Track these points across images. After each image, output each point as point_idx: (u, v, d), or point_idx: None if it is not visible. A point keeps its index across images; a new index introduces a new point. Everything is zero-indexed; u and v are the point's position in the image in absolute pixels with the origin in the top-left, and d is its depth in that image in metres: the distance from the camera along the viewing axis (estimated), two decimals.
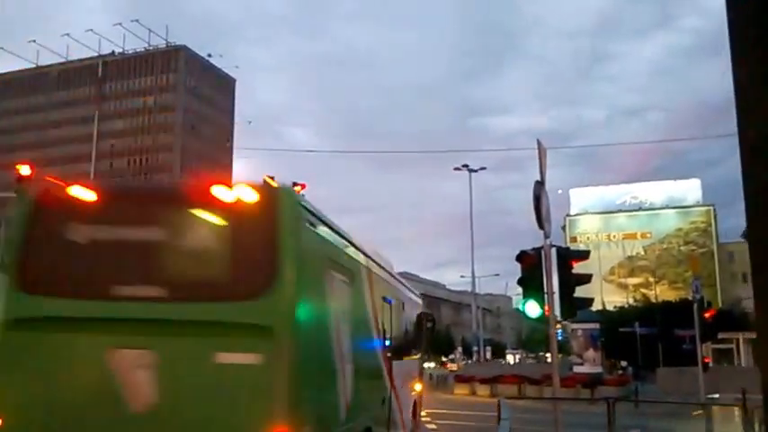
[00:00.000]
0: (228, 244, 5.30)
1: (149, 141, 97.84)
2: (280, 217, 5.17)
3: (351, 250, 7.08)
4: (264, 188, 5.23)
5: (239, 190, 5.16)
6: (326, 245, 6.15)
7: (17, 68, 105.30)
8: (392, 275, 10.19)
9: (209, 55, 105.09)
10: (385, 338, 8.49)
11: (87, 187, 5.42)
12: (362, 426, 7.00)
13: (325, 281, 5.93)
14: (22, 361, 5.10)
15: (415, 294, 13.31)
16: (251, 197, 5.16)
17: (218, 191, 5.14)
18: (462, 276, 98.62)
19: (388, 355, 8.69)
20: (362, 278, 7.48)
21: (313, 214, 5.80)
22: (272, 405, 4.78)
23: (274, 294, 4.91)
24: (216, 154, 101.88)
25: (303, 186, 21.30)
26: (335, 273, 6.27)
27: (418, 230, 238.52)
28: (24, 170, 18.35)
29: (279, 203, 5.24)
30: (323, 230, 6.04)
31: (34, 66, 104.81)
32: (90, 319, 5.06)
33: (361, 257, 7.53)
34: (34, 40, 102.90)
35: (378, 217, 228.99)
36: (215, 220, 5.28)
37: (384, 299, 8.70)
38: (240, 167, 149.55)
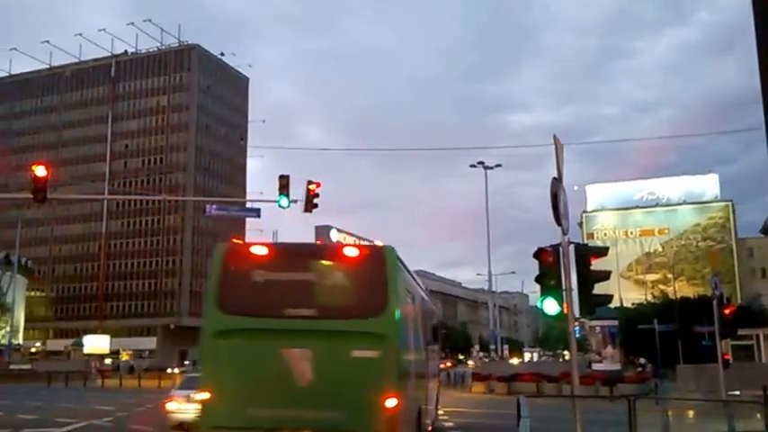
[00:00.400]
0: (356, 283, 8.70)
1: (163, 141, 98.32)
2: (386, 266, 8.58)
3: (413, 283, 10.61)
4: (376, 248, 8.90)
5: (360, 249, 8.80)
6: (406, 282, 9.69)
7: (31, 69, 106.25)
8: (426, 293, 13.12)
9: (222, 54, 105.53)
10: (425, 340, 11.17)
11: (262, 245, 8.87)
12: (418, 402, 10.27)
13: (407, 304, 9.32)
14: (223, 357, 8.29)
15: (433, 305, 17.73)
16: (369, 253, 8.77)
17: (348, 250, 8.77)
18: (478, 274, 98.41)
19: (427, 353, 11.41)
20: (417, 300, 10.98)
21: (401, 263, 9.18)
22: (385, 381, 8.04)
23: (385, 314, 8.26)
24: (230, 153, 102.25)
25: (318, 185, 21.33)
26: (409, 298, 9.79)
27: (432, 228, 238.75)
28: (40, 171, 18.51)
29: (385, 257, 8.66)
30: (404, 273, 9.57)
31: (48, 66, 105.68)
32: (268, 329, 8.28)
33: (416, 286, 11.08)
34: (47, 41, 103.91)
35: (391, 215, 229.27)
36: (346, 268, 8.72)
37: (424, 311, 11.69)
38: (254, 166, 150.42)
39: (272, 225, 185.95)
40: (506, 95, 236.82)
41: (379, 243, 8.96)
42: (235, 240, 9.37)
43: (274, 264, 8.79)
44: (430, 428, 13.05)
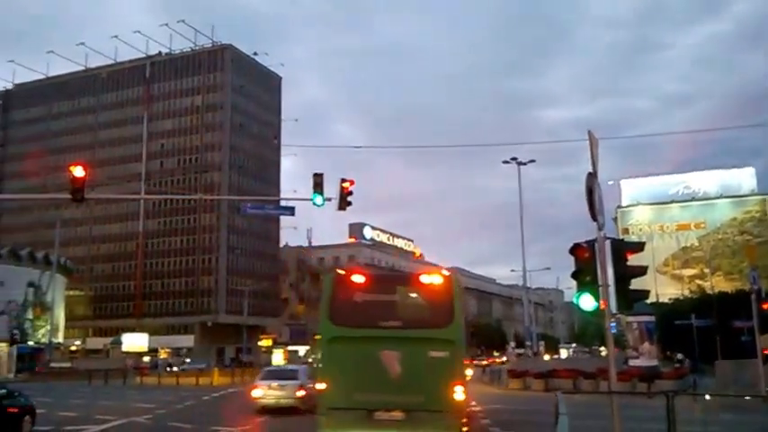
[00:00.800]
0: (430, 301, 11.70)
1: (198, 140, 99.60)
2: (452, 288, 11.70)
3: (463, 296, 13.75)
4: (444, 275, 11.84)
5: (434, 276, 11.71)
6: (463, 297, 13.27)
7: (67, 71, 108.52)
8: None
9: (255, 53, 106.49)
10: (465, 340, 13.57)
11: (361, 274, 11.92)
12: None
13: (463, 315, 12.16)
14: (335, 357, 11.42)
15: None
16: (439, 279, 11.68)
17: (423, 277, 11.71)
18: (513, 271, 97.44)
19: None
20: (464, 309, 13.50)
21: (459, 284, 12.58)
22: (453, 373, 11.08)
23: (452, 325, 11.26)
24: (263, 151, 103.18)
25: (352, 182, 21.46)
26: (463, 310, 12.67)
27: (466, 225, 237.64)
28: (78, 171, 18.91)
29: (452, 281, 11.82)
30: (461, 291, 13.21)
31: (84, 68, 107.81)
32: (368, 336, 11.22)
33: (463, 299, 14.24)
34: (83, 43, 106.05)
35: (424, 211, 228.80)
36: (423, 290, 11.78)
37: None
38: (287, 164, 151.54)
39: (307, 222, 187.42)
40: (539, 90, 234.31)
41: (445, 271, 12.36)
42: (340, 270, 12.44)
43: (370, 288, 11.95)
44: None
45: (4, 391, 15.84)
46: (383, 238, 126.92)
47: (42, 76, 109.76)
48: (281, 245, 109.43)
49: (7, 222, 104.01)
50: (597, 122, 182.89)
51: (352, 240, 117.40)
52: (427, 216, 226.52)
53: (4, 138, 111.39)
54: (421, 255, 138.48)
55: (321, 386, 11.50)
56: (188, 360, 76.17)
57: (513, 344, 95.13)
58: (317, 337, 12.57)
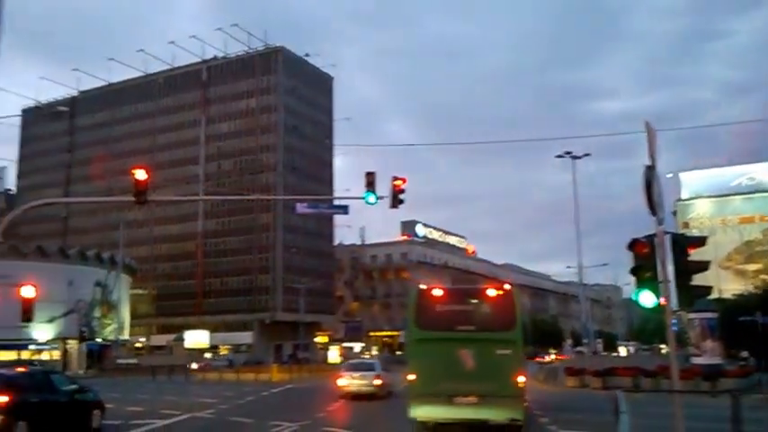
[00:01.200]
0: (496, 309, 14.30)
1: (253, 142, 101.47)
2: (513, 299, 14.42)
3: (522, 304, 15.86)
4: (507, 288, 14.50)
5: (498, 289, 14.42)
6: (522, 305, 15.45)
7: (127, 77, 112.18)
8: None
9: (307, 55, 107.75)
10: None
11: (440, 288, 14.79)
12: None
13: (522, 320, 14.64)
14: (421, 354, 14.31)
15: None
16: (502, 291, 14.37)
17: (490, 291, 14.49)
18: (568, 267, 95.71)
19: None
20: (522, 314, 15.43)
21: (519, 295, 15.09)
22: (515, 366, 13.87)
23: (514, 328, 14.07)
24: (317, 152, 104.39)
25: (404, 180, 21.60)
26: (522, 316, 14.98)
27: (519, 221, 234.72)
28: (140, 175, 19.59)
29: (513, 293, 14.48)
30: (520, 301, 15.34)
31: (143, 74, 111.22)
32: (447, 338, 14.00)
33: (522, 306, 15.77)
34: (142, 50, 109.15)
35: (477, 208, 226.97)
36: (490, 301, 14.39)
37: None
38: (340, 163, 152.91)
39: (360, 221, 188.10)
40: (592, 82, 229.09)
41: (507, 285, 14.96)
42: (422, 286, 15.31)
43: (447, 300, 14.79)
44: None
45: (75, 386, 16.53)
46: (435, 235, 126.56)
47: (104, 83, 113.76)
48: (336, 243, 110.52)
49: (75, 224, 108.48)
50: (654, 114, 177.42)
51: (405, 238, 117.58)
52: (480, 212, 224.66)
53: (70, 143, 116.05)
54: (474, 252, 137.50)
55: (411, 377, 14.33)
56: (231, 355, 78.04)
57: (569, 341, 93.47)
58: (406, 337, 16.17)
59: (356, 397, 24.43)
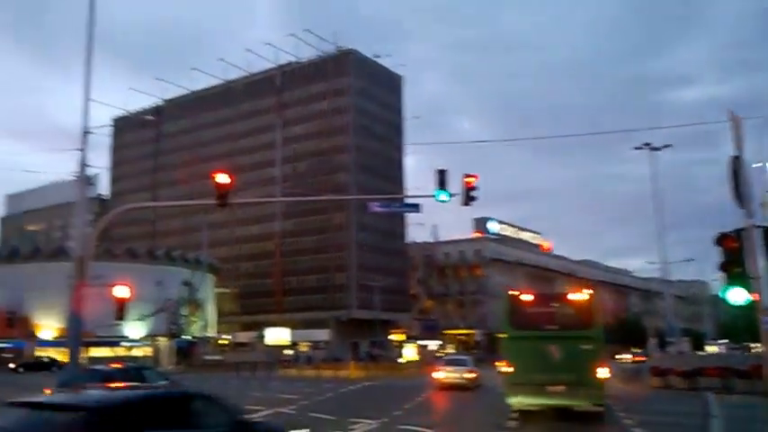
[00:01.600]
0: (578, 311, 17.02)
1: (326, 143, 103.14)
2: (593, 302, 17.20)
3: (601, 306, 18.53)
4: (587, 293, 17.22)
5: (580, 294, 17.17)
6: (601, 307, 18.45)
7: (208, 85, 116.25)
8: None
9: (377, 56, 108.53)
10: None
11: (529, 293, 17.87)
12: None
13: (601, 320, 17.33)
14: (514, 349, 17.12)
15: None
16: (583, 296, 17.11)
17: (571, 295, 17.44)
18: (650, 263, 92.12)
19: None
20: (602, 315, 17.92)
21: (598, 299, 17.85)
22: (596, 359, 16.34)
23: (595, 327, 16.81)
24: (388, 151, 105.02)
25: (476, 177, 21.43)
26: (601, 316, 17.63)
27: (597, 216, 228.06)
28: (222, 178, 20.34)
29: (593, 297, 17.18)
30: (600, 303, 18.49)
31: (223, 81, 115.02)
32: (536, 336, 16.67)
33: (601, 308, 18.40)
34: (222, 59, 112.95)
35: (552, 203, 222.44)
36: (572, 303, 17.27)
37: None
38: (411, 161, 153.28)
39: (432, 218, 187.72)
40: (670, 71, 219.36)
41: (587, 291, 17.38)
42: (513, 291, 18.01)
43: (535, 303, 17.51)
44: None
45: (166, 381, 17.41)
46: (509, 231, 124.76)
47: (187, 92, 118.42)
48: (408, 241, 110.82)
49: (162, 227, 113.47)
50: (740, 99, 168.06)
51: (478, 235, 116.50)
52: (556, 208, 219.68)
53: (157, 150, 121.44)
54: (550, 248, 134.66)
55: (507, 369, 16.97)
56: (310, 352, 79.46)
57: (653, 340, 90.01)
58: (501, 336, 18.73)
59: (450, 388, 28.00)
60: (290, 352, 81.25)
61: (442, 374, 29.20)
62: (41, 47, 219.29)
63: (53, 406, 6.72)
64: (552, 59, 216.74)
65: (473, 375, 29.39)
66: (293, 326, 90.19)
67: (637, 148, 43.08)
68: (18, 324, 60.59)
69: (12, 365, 55.11)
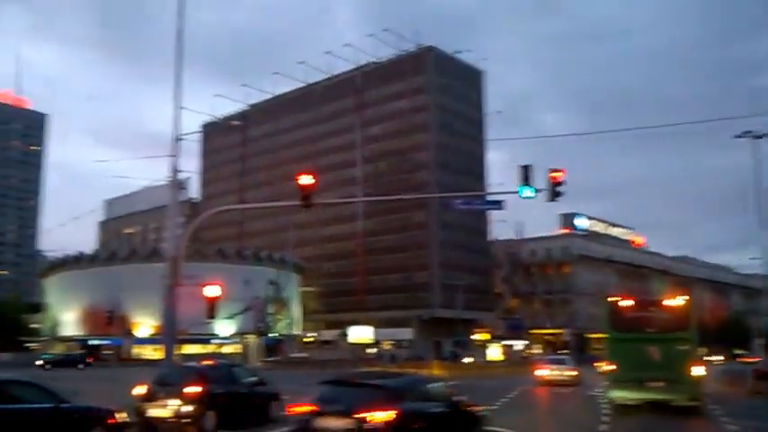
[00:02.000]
0: (674, 315, 18.93)
1: (406, 142, 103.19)
2: (688, 307, 19.26)
3: (696, 310, 21.53)
4: (682, 299, 19.29)
5: (676, 300, 19.29)
6: (695, 311, 21.28)
7: (290, 89, 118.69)
8: None
9: (458, 51, 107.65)
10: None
11: (628, 299, 20.03)
12: None
13: (696, 323, 19.84)
14: (616, 350, 19.22)
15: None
16: (679, 302, 19.18)
17: (668, 301, 19.48)
18: (754, 258, 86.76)
19: None
20: (696, 318, 20.14)
21: (693, 304, 19.97)
22: (692, 358, 18.63)
23: (690, 329, 18.90)
24: (470, 148, 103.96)
25: (562, 172, 20.80)
26: (696, 319, 20.34)
27: (694, 209, 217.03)
28: (305, 180, 20.65)
29: (688, 303, 19.27)
30: (694, 308, 20.72)
31: (303, 84, 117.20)
32: (637, 338, 18.67)
33: (696, 312, 20.85)
34: (303, 62, 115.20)
35: (644, 197, 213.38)
36: (669, 309, 19.25)
37: None
38: (493, 157, 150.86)
39: (516, 215, 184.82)
40: (764, 54, 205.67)
41: (683, 297, 19.26)
42: (614, 297, 20.14)
43: (635, 308, 19.39)
44: None
45: (255, 378, 17.76)
46: (598, 227, 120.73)
47: (270, 96, 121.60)
48: (492, 239, 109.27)
49: (249, 228, 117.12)
50: None
51: (565, 231, 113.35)
52: (648, 201, 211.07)
53: (243, 153, 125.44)
54: (641, 244, 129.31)
55: (611, 367, 19.22)
56: (393, 351, 79.39)
57: (759, 340, 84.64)
58: (602, 337, 21.64)
59: (552, 384, 30.56)
60: (374, 350, 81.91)
61: (545, 372, 32.14)
62: (135, 60, 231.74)
63: (353, 384, 11.34)
64: (640, 47, 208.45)
65: (574, 373, 32.17)
66: (376, 324, 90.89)
67: (737, 137, 40.62)
68: (117, 322, 63.97)
69: (39, 362, 55.63)
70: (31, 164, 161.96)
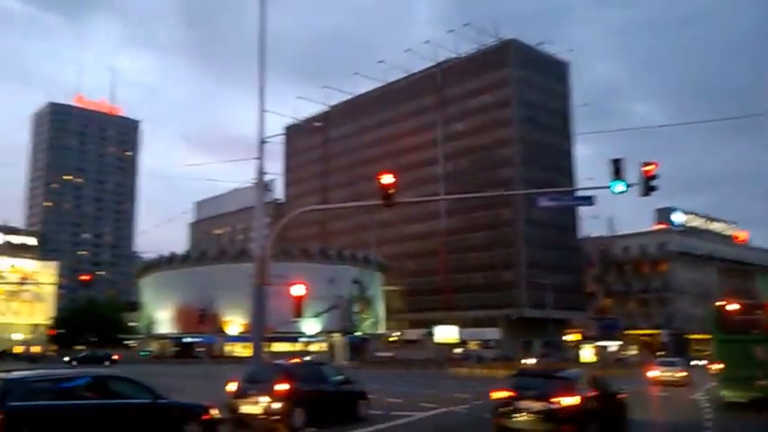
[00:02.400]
0: None
1: (489, 138, 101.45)
2: None
3: None
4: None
5: (751, 305, 22.53)
6: None
7: (370, 88, 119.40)
8: None
9: (541, 43, 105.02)
10: None
11: (735, 303, 21.01)
12: None
13: None
14: (724, 350, 20.48)
15: None
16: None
17: (726, 306, 20.95)
18: None
19: None
20: None
21: None
22: None
23: None
24: (555, 141, 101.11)
25: (656, 165, 19.51)
26: None
27: None
28: (386, 179, 20.33)
29: None
30: None
31: (383, 83, 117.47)
32: (744, 339, 19.61)
33: None
34: (382, 61, 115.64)
35: (745, 190, 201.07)
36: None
37: None
38: (581, 151, 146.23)
39: (607, 211, 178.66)
40: None
41: None
42: (720, 302, 21.02)
43: (741, 311, 20.37)
44: None
45: (341, 376, 17.64)
46: (697, 222, 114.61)
47: (351, 96, 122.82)
48: (582, 236, 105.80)
49: (332, 227, 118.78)
50: None
51: (661, 227, 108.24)
52: (750, 194, 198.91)
53: (325, 154, 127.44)
54: (744, 239, 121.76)
55: (719, 366, 20.50)
56: (480, 351, 78.09)
57: None
58: (713, 339, 21.82)
59: (664, 383, 32.54)
60: (460, 350, 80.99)
61: (657, 373, 34.32)
62: (221, 64, 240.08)
63: (542, 375, 14.93)
64: (732, 32, 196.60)
65: (684, 374, 34.07)
66: (462, 324, 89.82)
67: None
68: (208, 321, 66.12)
69: (66, 358, 57.63)
70: (126, 169, 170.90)
